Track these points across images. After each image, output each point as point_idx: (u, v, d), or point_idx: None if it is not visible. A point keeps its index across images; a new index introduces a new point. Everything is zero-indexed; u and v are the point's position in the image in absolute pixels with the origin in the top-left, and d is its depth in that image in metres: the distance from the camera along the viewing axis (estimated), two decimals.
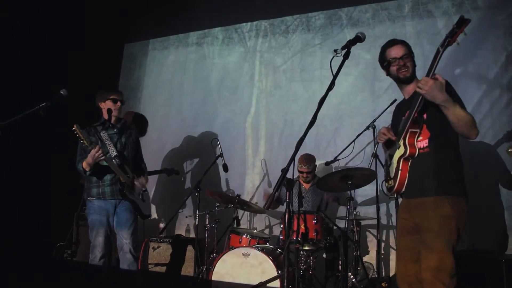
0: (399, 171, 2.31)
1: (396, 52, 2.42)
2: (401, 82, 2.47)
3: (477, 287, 2.91)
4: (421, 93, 2.15)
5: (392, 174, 2.38)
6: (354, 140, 4.18)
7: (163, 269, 4.37)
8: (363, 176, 3.59)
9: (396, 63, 2.41)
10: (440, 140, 2.28)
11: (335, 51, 2.11)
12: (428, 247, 2.18)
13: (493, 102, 4.28)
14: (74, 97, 3.45)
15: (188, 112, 5.89)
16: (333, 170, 4.33)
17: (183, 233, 5.12)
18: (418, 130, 2.29)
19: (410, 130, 2.29)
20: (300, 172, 4.39)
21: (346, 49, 2.16)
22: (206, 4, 5.63)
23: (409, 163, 2.32)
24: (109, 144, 3.46)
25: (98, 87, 5.58)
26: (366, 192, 4.37)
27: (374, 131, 4.12)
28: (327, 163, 4.41)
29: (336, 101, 4.86)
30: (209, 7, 5.65)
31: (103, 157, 3.29)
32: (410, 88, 2.43)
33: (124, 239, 3.39)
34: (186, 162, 5.62)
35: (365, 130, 4.13)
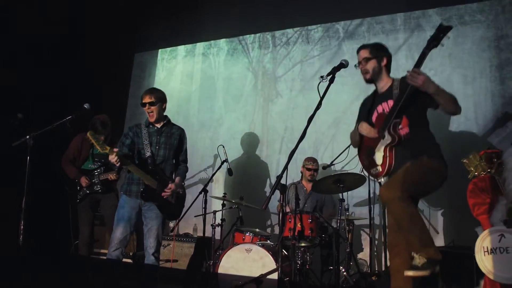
0: (387, 158, 2.57)
1: (360, 55, 2.72)
2: (367, 82, 2.77)
3: (454, 279, 3.22)
4: (416, 85, 2.38)
5: (380, 161, 2.62)
6: (349, 146, 4.45)
7: (173, 265, 4.67)
8: (354, 180, 3.87)
9: (360, 66, 2.72)
10: (417, 123, 2.58)
11: (321, 77, 2.38)
12: None
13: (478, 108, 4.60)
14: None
15: (195, 119, 6.16)
16: (331, 174, 4.65)
17: (190, 231, 5.46)
18: (399, 120, 2.56)
19: (394, 121, 2.54)
20: (308, 169, 4.65)
21: (331, 75, 2.42)
22: (213, 17, 5.87)
23: (394, 150, 2.58)
24: (146, 144, 3.48)
25: (110, 94, 5.95)
26: (360, 194, 4.61)
27: None
28: (324, 167, 4.69)
29: (333, 109, 5.14)
30: (215, 19, 5.91)
31: (118, 163, 3.27)
32: (383, 84, 2.71)
33: (149, 242, 3.47)
34: (194, 167, 5.85)
35: None
